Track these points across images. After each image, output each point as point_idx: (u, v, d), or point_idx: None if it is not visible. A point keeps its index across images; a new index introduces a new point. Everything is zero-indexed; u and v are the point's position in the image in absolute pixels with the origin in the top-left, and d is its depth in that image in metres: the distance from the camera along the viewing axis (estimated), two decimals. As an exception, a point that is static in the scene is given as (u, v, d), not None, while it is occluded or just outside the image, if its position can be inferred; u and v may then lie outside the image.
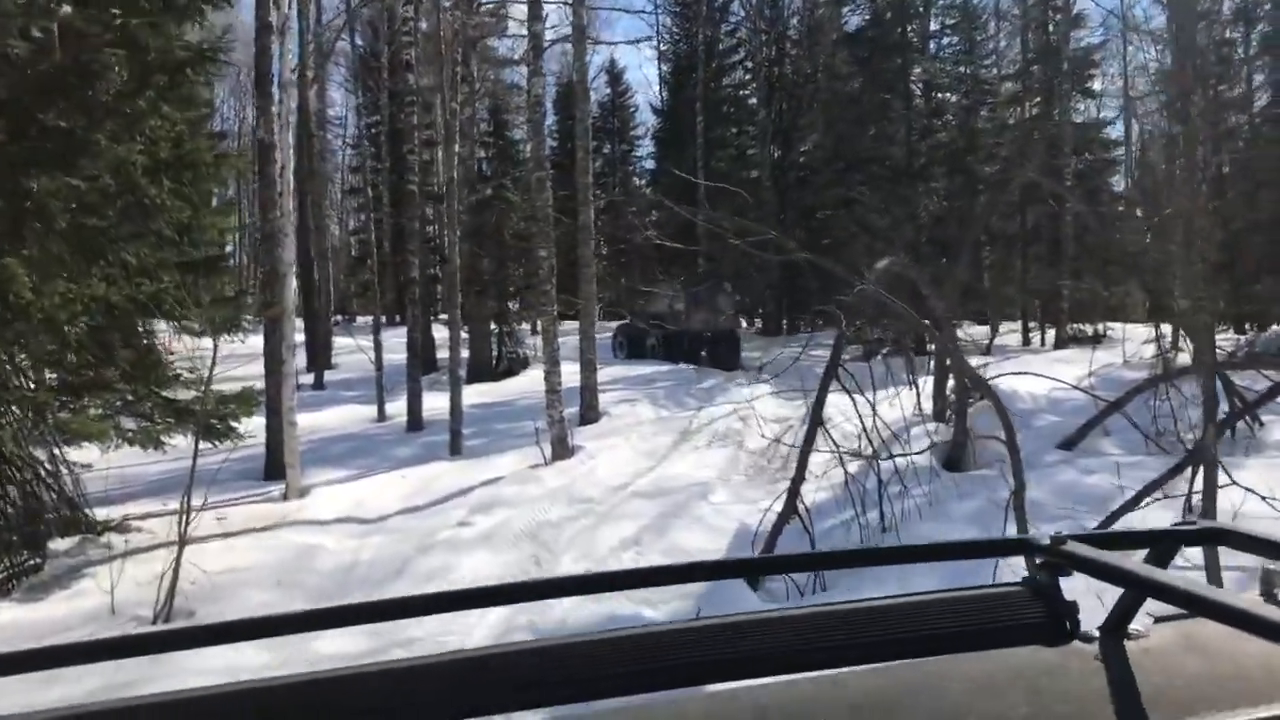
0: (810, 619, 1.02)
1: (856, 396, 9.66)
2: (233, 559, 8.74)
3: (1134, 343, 20.90)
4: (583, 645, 0.97)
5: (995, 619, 1.03)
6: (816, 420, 8.41)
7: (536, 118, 13.60)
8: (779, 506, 8.97)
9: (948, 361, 13.52)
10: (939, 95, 29.31)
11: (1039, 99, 29.83)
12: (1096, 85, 31.64)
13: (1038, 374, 13.44)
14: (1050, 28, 28.90)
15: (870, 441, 9.28)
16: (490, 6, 25.15)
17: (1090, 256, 27.71)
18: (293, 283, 12.08)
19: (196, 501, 8.62)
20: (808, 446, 8.36)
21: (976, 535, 8.56)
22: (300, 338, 23.79)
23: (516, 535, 9.70)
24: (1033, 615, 1.04)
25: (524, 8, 14.40)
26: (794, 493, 8.13)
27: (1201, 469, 7.72)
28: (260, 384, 11.95)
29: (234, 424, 10.09)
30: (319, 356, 24.04)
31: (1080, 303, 27.58)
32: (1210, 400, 8.16)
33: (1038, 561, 1.08)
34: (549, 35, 16.21)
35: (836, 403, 9.78)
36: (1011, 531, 7.80)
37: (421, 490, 11.80)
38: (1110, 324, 28.25)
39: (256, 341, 12.45)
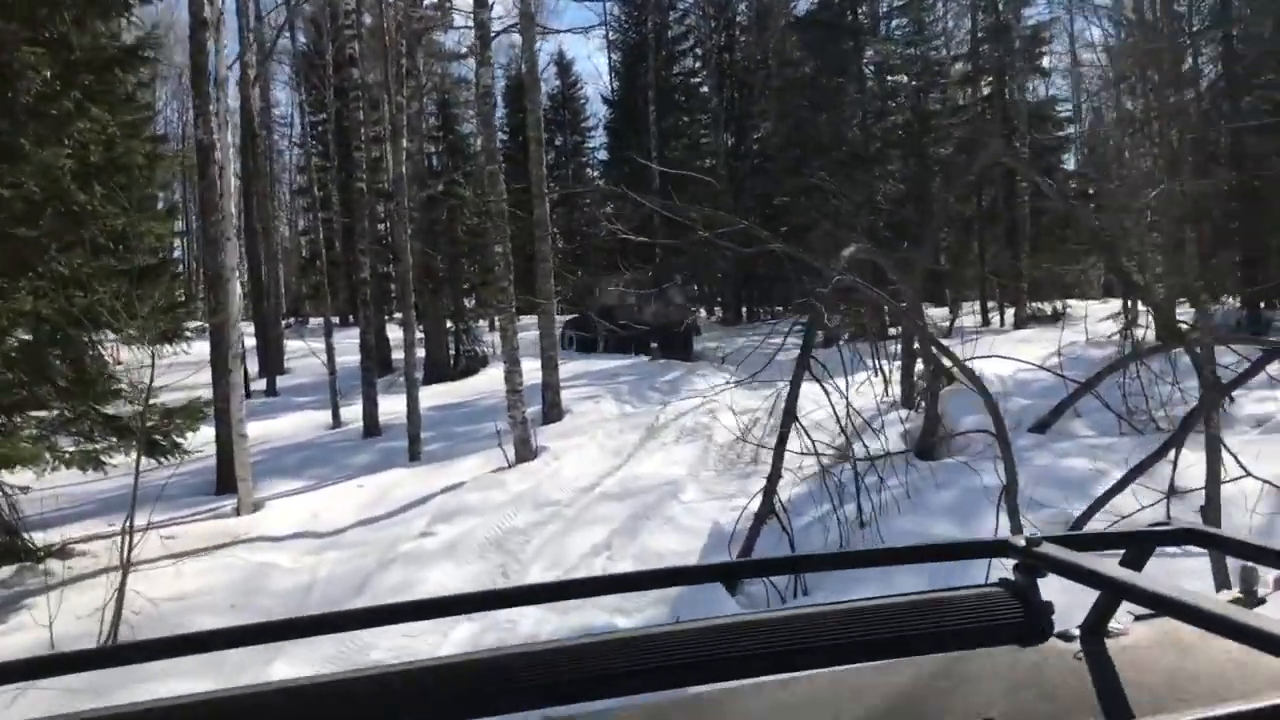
0: (791, 621, 1.02)
1: (828, 386, 9.36)
2: (181, 584, 8.29)
3: (1093, 320, 20.91)
4: (569, 649, 0.97)
5: (972, 620, 1.04)
6: (790, 415, 8.08)
7: (486, 110, 13.14)
8: (754, 505, 8.70)
9: (915, 346, 13.30)
10: (891, 78, 29.12)
11: (990, 78, 29.77)
12: (1045, 63, 31.69)
13: (1006, 356, 13.21)
14: (1000, 5, 28.77)
15: (845, 434, 8.96)
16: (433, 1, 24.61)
17: (1047, 235, 27.73)
18: (237, 288, 11.59)
19: (142, 521, 8.18)
20: (782, 443, 8.03)
21: (956, 526, 8.33)
22: (251, 342, 23.29)
23: (482, 545, 9.32)
24: (1009, 616, 1.04)
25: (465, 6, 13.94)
26: (770, 491, 7.80)
27: (1204, 454, 7.41)
28: (208, 393, 11.47)
29: (179, 439, 9.61)
30: (271, 362, 23.42)
31: (1038, 281, 27.58)
32: (1212, 378, 7.83)
33: (1013, 563, 1.09)
34: (497, 25, 15.77)
35: (807, 391, 9.49)
36: (1005, 526, 7.55)
37: (380, 500, 11.37)
38: (1069, 302, 28.33)
39: (203, 348, 11.98)
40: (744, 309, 35.04)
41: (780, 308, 34.55)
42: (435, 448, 14.08)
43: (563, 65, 42.04)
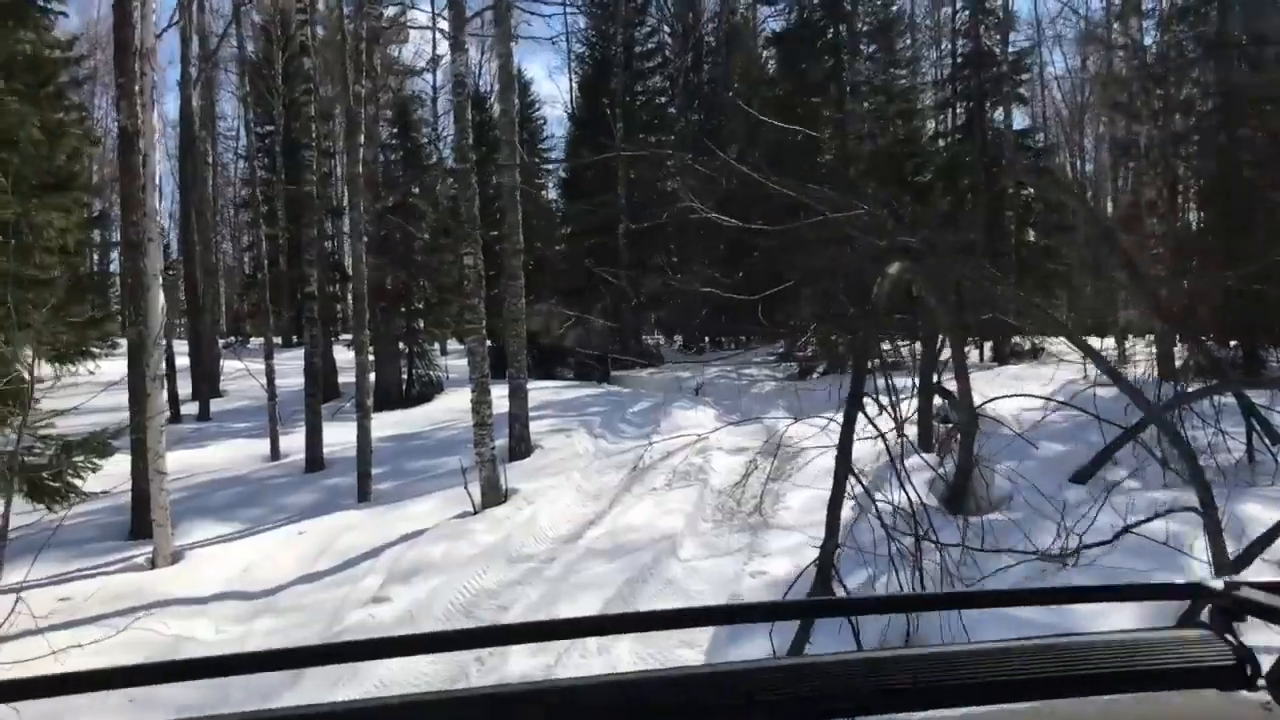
0: (978, 654, 0.99)
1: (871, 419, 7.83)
2: (67, 668, 6.53)
3: (1076, 356, 19.76)
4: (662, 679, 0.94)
5: (1167, 661, 0.99)
6: (845, 468, 6.48)
7: (461, 99, 11.48)
8: (775, 567, 7.19)
9: (935, 379, 11.88)
10: (869, 102, 27.98)
11: (967, 104, 28.78)
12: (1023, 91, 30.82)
13: (1032, 395, 11.78)
14: (981, 31, 27.82)
15: (902, 484, 7.30)
16: (391, 14, 22.87)
17: (1028, 269, 26.75)
18: (160, 298, 9.83)
19: (39, 575, 6.50)
20: (837, 504, 6.40)
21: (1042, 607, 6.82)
22: (184, 361, 21.40)
23: (448, 613, 7.70)
24: (1208, 659, 0.99)
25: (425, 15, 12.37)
26: (827, 566, 6.16)
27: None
28: (120, 418, 9.79)
29: (75, 480, 7.84)
30: (205, 383, 21.48)
31: (1021, 315, 26.52)
32: None
33: (1210, 608, 1.05)
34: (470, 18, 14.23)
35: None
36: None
37: (324, 550, 9.66)
38: (1047, 339, 27.27)
39: (121, 367, 10.34)
40: (706, 337, 33.70)
41: (744, 337, 33.24)
42: (388, 486, 12.37)
43: (521, 85, 40.61)
